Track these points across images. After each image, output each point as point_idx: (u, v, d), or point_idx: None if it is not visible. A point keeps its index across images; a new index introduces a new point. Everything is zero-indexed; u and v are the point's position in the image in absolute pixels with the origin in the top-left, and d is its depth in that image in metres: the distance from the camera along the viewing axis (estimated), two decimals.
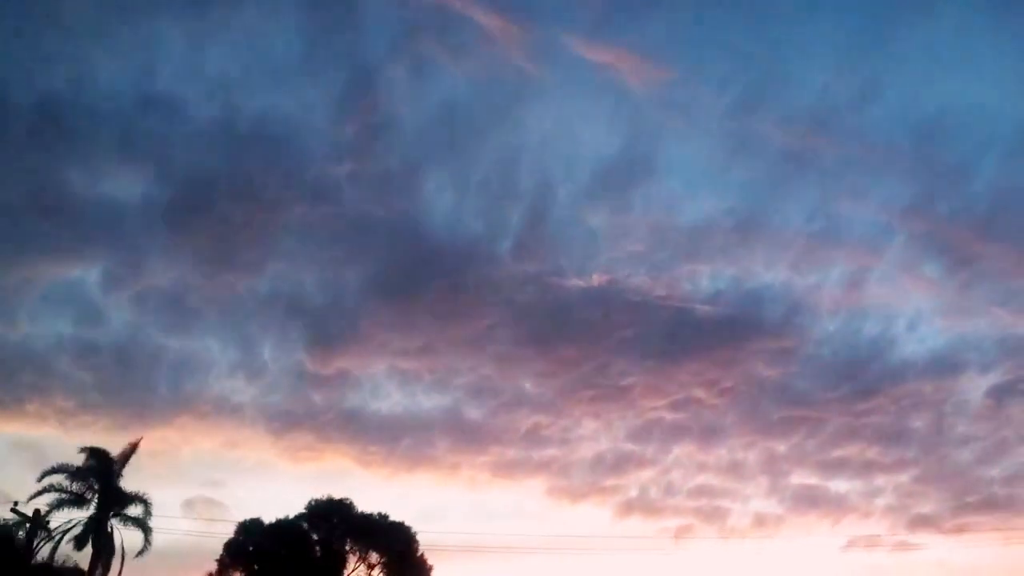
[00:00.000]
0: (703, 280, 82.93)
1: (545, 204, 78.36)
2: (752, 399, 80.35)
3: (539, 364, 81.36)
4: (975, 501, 74.71)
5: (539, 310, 78.43)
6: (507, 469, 78.40)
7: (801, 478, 78.68)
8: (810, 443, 79.36)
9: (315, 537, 44.10)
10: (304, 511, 44.70)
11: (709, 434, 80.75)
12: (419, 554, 44.64)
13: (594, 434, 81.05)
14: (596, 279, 79.96)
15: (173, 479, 68.47)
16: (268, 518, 44.93)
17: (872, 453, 78.51)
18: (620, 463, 79.76)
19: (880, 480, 77.64)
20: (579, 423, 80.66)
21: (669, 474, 79.67)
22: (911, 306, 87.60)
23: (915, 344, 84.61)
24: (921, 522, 74.72)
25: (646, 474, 79.66)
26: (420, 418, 78.46)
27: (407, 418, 78.23)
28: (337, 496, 45.87)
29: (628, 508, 78.16)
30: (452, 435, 78.71)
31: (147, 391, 70.63)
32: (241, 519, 44.78)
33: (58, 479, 40.55)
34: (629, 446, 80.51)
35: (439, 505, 76.60)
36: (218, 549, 44.25)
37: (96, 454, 42.48)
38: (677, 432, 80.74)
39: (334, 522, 44.52)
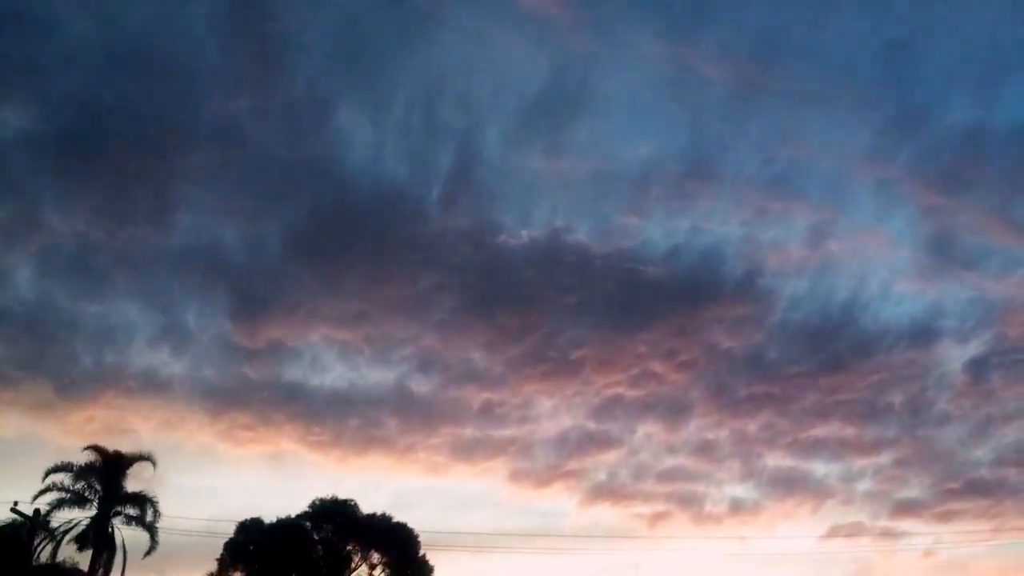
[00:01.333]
0: (651, 234, 76.05)
1: (472, 145, 71.16)
2: (715, 374, 74.59)
3: (483, 334, 74.96)
4: (961, 486, 69.14)
5: (476, 271, 71.77)
6: (465, 452, 73.04)
7: (776, 460, 73.57)
8: (782, 422, 73.85)
9: (317, 537, 43.74)
10: (306, 511, 44.35)
11: (674, 413, 74.99)
12: (421, 555, 44.06)
13: (552, 413, 75.74)
14: (535, 235, 73.48)
15: None
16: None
17: (848, 433, 73.28)
18: (583, 445, 74.21)
19: (859, 463, 72.26)
20: (534, 401, 75.21)
21: (636, 456, 74.17)
22: (880, 267, 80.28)
23: (889, 309, 77.92)
24: (905, 508, 70.06)
25: (612, 457, 74.11)
26: (365, 395, 72.24)
27: (351, 395, 71.97)
28: (341, 496, 45.28)
29: (597, 493, 73.22)
30: (401, 413, 73.10)
31: (67, 363, 64.71)
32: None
33: (60, 478, 40.85)
34: (591, 426, 74.69)
35: (396, 491, 70.92)
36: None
37: (100, 453, 42.67)
38: (640, 411, 75.08)
39: (336, 522, 44.08)
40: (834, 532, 68.23)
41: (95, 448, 43.36)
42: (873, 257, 79.50)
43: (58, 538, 39.48)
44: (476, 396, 73.93)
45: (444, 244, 71.22)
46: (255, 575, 42.50)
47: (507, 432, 74.12)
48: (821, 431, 72.96)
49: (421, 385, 73.37)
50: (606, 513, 73.41)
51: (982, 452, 69.82)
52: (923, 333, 72.71)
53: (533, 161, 75.28)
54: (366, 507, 45.37)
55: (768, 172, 76.43)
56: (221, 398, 68.66)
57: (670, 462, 73.80)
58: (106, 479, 42.26)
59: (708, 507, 72.08)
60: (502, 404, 74.40)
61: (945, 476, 69.87)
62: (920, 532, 69.09)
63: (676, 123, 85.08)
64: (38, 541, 38.58)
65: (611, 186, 77.77)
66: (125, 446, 44.53)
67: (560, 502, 76.33)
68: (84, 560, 40.23)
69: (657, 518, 72.28)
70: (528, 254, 72.33)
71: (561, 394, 75.19)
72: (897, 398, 72.03)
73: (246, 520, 43.50)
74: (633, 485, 73.11)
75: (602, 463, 73.84)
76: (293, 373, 70.98)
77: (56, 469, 40.89)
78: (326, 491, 45.50)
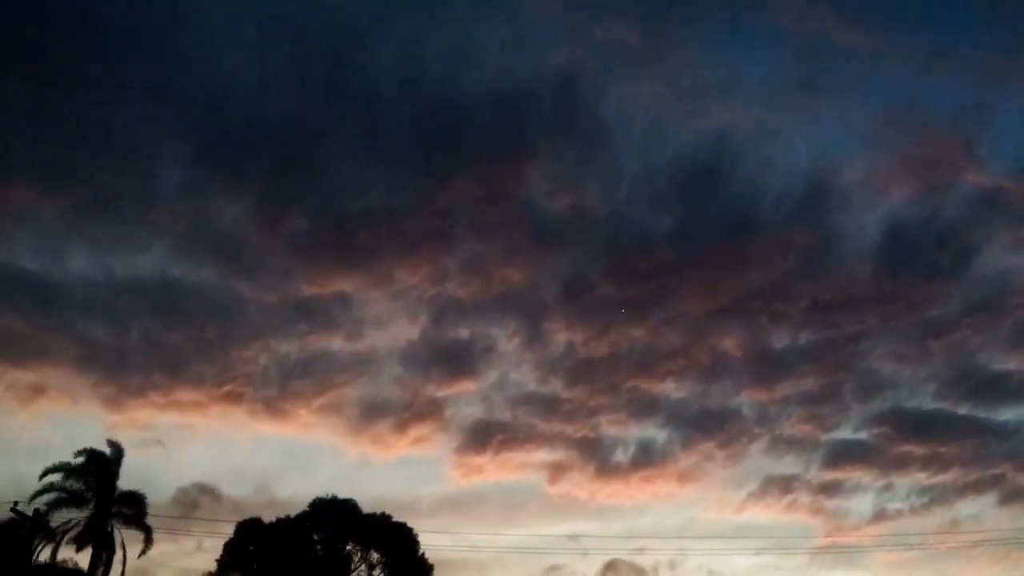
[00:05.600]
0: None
1: None
2: (554, 266, 54.25)
3: (238, 200, 55.44)
4: (899, 425, 57.22)
5: (194, 94, 52.82)
6: (287, 387, 55.75)
7: (673, 392, 57.79)
8: (666, 339, 56.22)
9: (316, 537, 43.70)
10: (306, 510, 44.34)
11: (528, 324, 55.41)
12: (420, 554, 44.23)
13: (376, 322, 56.55)
14: (255, 33, 52.85)
15: None
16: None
17: (748, 352, 58.77)
18: (433, 371, 56.03)
19: (774, 395, 58.04)
20: (346, 305, 56.27)
21: (503, 390, 56.40)
22: (749, 97, 59.98)
23: (769, 151, 58.57)
24: (840, 455, 60.14)
25: (471, 387, 57.03)
26: (127, 291, 52.14)
27: (106, 294, 51.79)
28: (340, 496, 45.54)
29: (471, 440, 57.58)
30: (183, 322, 54.29)
31: None
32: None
33: (57, 478, 40.36)
34: (433, 338, 55.63)
35: (209, 446, 55.24)
36: None
37: (94, 455, 42.22)
38: (482, 320, 56.03)
39: (336, 522, 44.09)
40: (767, 487, 59.66)
41: (87, 450, 42.91)
42: (733, 80, 60.54)
43: (58, 538, 39.00)
44: (268, 295, 55.99)
45: (136, 40, 50.33)
46: (255, 575, 42.28)
47: (333, 348, 54.97)
48: (713, 349, 57.82)
49: (188, 276, 54.34)
50: (488, 465, 58.36)
51: (917, 379, 58.36)
52: (815, 193, 56.89)
53: None
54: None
55: None
56: None
57: (545, 390, 56.97)
58: (101, 479, 41.84)
59: (613, 456, 57.27)
60: (311, 311, 55.18)
61: (878, 414, 57.75)
62: (862, 484, 61.84)
63: None
64: (37, 541, 38.08)
65: None
66: None
67: (429, 453, 59.64)
68: (83, 560, 39.93)
69: (557, 470, 57.42)
70: (262, 69, 50.89)
71: (370, 295, 57.50)
72: (795, 304, 56.29)
73: (245, 520, 43.42)
74: (518, 428, 57.15)
75: (463, 396, 56.97)
76: (10, 255, 50.27)
77: (53, 470, 40.48)
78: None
